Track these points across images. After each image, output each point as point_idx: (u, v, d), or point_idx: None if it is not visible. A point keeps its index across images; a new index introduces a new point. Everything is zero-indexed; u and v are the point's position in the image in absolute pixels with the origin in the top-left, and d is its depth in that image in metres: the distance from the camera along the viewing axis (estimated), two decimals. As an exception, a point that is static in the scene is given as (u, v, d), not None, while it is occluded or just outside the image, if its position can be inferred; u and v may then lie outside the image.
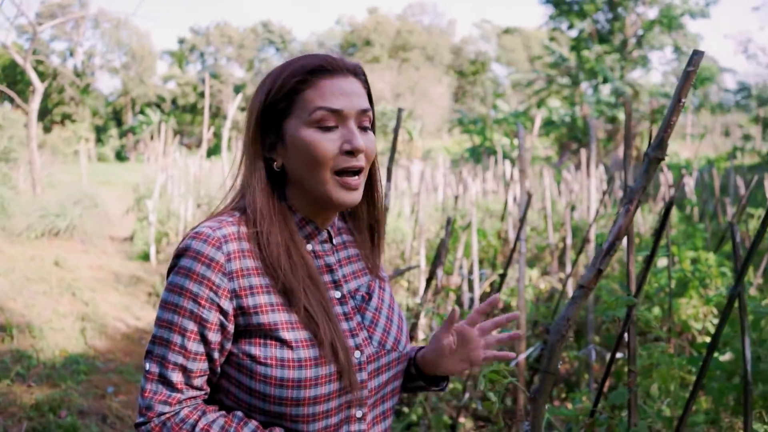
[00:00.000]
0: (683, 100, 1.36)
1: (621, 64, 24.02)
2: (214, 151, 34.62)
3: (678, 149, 26.40)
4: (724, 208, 6.99)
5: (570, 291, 4.47)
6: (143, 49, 40.10)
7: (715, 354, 2.32)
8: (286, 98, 1.07)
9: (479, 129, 27.34)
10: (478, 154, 25.09)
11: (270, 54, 45.74)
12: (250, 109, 1.12)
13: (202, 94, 39.91)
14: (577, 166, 13.98)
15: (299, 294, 1.04)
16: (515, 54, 46.42)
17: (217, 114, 40.21)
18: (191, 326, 1.01)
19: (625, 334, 1.71)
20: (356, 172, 1.08)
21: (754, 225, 6.17)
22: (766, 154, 19.95)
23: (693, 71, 1.33)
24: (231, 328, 1.03)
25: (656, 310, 3.29)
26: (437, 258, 2.68)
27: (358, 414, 1.09)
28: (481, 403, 3.77)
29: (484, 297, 4.30)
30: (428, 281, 2.72)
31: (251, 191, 1.08)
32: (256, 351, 1.02)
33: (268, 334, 1.02)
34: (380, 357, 1.13)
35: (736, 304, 1.71)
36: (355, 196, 1.09)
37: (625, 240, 2.21)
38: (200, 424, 1.01)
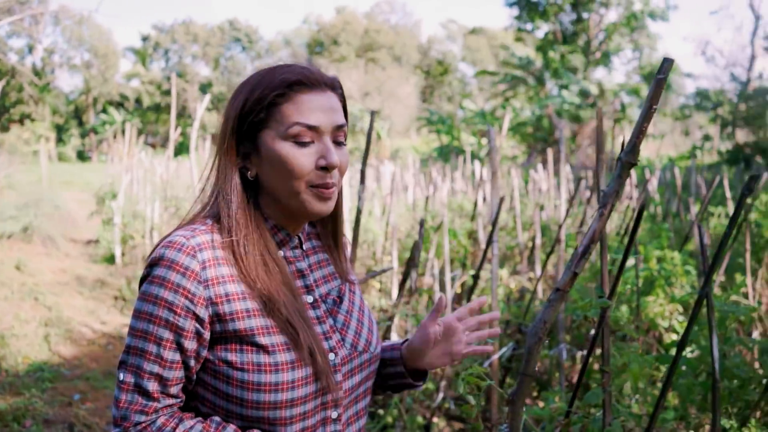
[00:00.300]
0: (654, 107, 1.40)
1: (585, 65, 24.46)
2: (179, 151, 34.09)
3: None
4: (687, 207, 7.18)
5: (540, 291, 4.53)
6: (106, 47, 39.24)
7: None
8: (264, 110, 1.08)
9: (447, 128, 27.51)
10: (447, 154, 25.24)
11: (236, 52, 45.22)
12: (226, 117, 1.12)
13: (166, 93, 39.25)
14: (544, 165, 14.18)
15: (276, 300, 1.06)
16: (481, 54, 46.85)
17: (182, 113, 39.62)
18: (167, 335, 1.02)
19: (595, 336, 1.74)
20: (332, 186, 1.11)
21: (714, 223, 6.35)
22: (724, 153, 20.55)
23: (663, 79, 1.37)
24: (207, 335, 1.04)
25: (624, 309, 3.35)
26: (411, 259, 2.69)
27: (334, 415, 1.12)
28: (454, 403, 3.80)
29: (455, 298, 4.33)
30: (402, 283, 2.73)
31: (226, 200, 1.09)
32: (233, 357, 1.04)
33: (245, 339, 1.04)
34: (353, 359, 1.16)
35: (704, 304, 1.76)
36: (330, 206, 1.11)
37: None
38: (178, 431, 1.02)
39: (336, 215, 1.25)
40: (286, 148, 1.06)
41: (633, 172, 9.65)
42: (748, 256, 3.73)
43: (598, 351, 2.14)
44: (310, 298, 1.16)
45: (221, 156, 1.11)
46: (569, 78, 22.37)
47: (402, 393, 2.93)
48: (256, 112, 1.08)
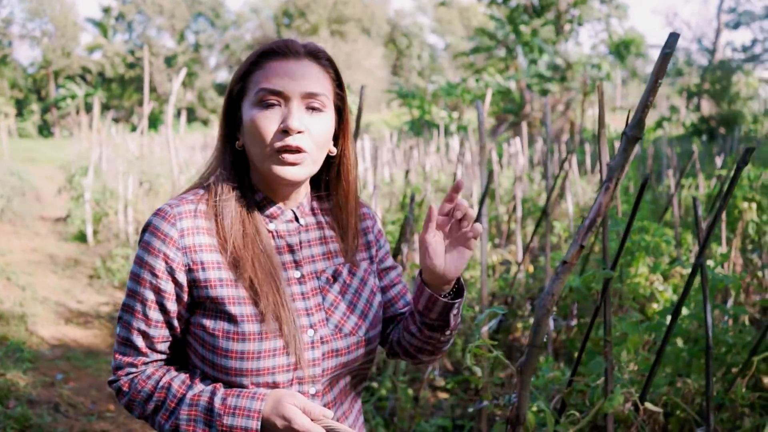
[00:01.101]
0: (660, 81, 1.42)
1: (555, 38, 24.52)
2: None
3: (608, 121, 27.30)
4: (659, 179, 7.33)
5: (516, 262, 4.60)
6: (66, 18, 37.88)
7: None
8: (242, 80, 1.13)
9: (419, 102, 27.43)
10: (418, 128, 25.19)
11: (203, 24, 44.10)
12: (225, 92, 1.18)
13: (131, 66, 38.20)
14: (515, 137, 14.26)
15: (247, 266, 1.09)
16: (452, 26, 46.59)
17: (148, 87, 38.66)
18: (151, 296, 1.09)
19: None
20: (297, 150, 1.09)
21: (685, 194, 6.50)
22: (690, 125, 20.95)
23: (670, 53, 1.38)
24: (186, 298, 1.10)
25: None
26: (402, 235, 2.70)
27: (311, 391, 1.12)
28: (440, 376, 3.86)
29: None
30: (393, 258, 2.74)
31: (214, 171, 1.16)
32: (207, 322, 1.09)
33: (217, 307, 1.08)
34: (336, 339, 1.15)
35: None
36: (294, 172, 1.10)
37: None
38: (164, 379, 1.10)
39: (340, 191, 1.23)
40: (254, 113, 1.09)
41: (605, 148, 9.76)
42: (723, 226, 3.84)
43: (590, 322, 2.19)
44: (297, 273, 1.16)
45: (219, 129, 1.18)
46: (543, 50, 22.41)
47: (395, 366, 2.96)
48: (237, 83, 1.13)
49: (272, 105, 1.09)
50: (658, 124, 22.08)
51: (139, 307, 1.10)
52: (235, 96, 1.14)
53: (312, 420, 1.02)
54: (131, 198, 6.55)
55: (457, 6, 46.16)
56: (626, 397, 1.60)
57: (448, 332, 1.21)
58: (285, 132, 1.08)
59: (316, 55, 1.14)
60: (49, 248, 7.84)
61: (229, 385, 1.09)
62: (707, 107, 21.79)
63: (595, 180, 8.50)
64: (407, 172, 5.44)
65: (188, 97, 39.90)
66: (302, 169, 1.11)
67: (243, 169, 1.17)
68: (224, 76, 44.28)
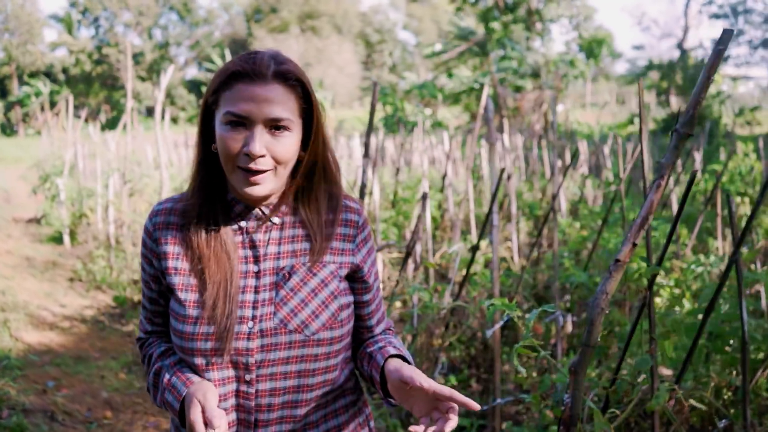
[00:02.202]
0: (712, 77, 1.42)
1: (526, 35, 24.73)
2: (112, 124, 32.65)
3: (578, 118, 27.71)
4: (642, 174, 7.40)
5: (516, 260, 4.61)
6: (28, 14, 36.83)
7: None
8: (213, 95, 1.22)
9: (392, 99, 27.39)
10: (392, 124, 25.17)
11: (173, 19, 43.31)
12: (201, 102, 1.28)
13: (97, 63, 37.35)
14: (486, 134, 14.31)
15: (203, 259, 1.23)
16: (423, 23, 46.67)
17: (114, 85, 37.86)
18: (144, 277, 1.33)
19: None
20: (258, 172, 1.17)
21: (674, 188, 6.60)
22: (661, 121, 21.35)
23: (723, 49, 1.38)
24: (164, 281, 1.27)
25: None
26: (415, 233, 2.67)
27: (246, 378, 1.22)
28: (441, 371, 3.85)
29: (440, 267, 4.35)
30: (406, 257, 2.71)
31: (193, 172, 1.29)
32: (171, 303, 1.27)
33: (173, 291, 1.25)
34: (278, 334, 1.21)
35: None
36: (258, 190, 1.19)
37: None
38: (151, 349, 1.33)
39: (311, 197, 1.29)
40: (222, 131, 1.18)
41: (584, 142, 9.87)
42: (719, 221, 3.91)
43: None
44: (255, 268, 1.24)
45: (196, 135, 1.28)
46: (514, 47, 22.60)
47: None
48: (210, 96, 1.23)
49: (238, 125, 1.17)
50: (630, 121, 22.45)
51: (141, 285, 1.35)
52: (210, 105, 1.23)
53: (204, 421, 1.14)
54: (113, 198, 6.38)
55: (430, 2, 46.25)
56: (670, 394, 1.60)
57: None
58: (247, 156, 1.17)
59: (285, 77, 1.19)
60: (24, 250, 7.60)
61: (186, 362, 1.25)
62: (676, 103, 22.23)
63: (576, 176, 8.59)
64: (398, 170, 5.40)
65: (156, 94, 39.20)
66: (263, 187, 1.19)
67: (219, 172, 1.25)
68: (194, 73, 43.60)
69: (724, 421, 2.28)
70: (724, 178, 4.80)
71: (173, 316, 1.25)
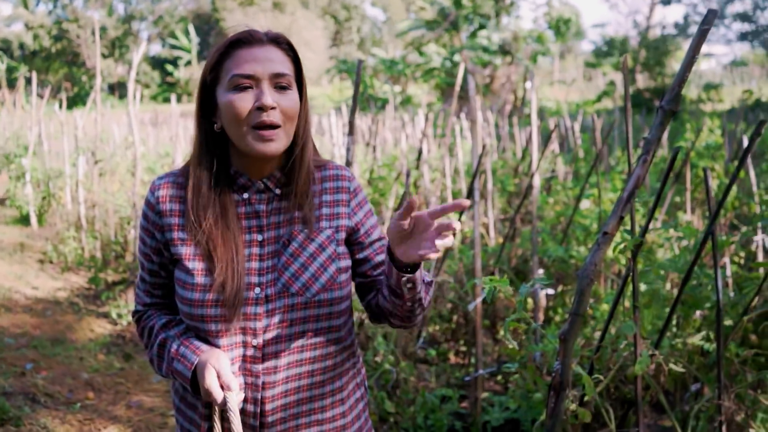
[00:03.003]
0: (696, 56, 1.47)
1: (496, 11, 24.74)
2: (74, 103, 31.72)
3: (547, 95, 27.97)
4: (611, 150, 7.58)
5: (492, 236, 4.69)
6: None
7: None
8: (214, 69, 1.28)
9: (362, 76, 27.22)
10: (362, 102, 25.04)
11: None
12: (199, 82, 1.33)
13: (57, 38, 36.13)
14: (457, 111, 14.40)
15: (206, 228, 1.27)
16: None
17: (75, 61, 36.74)
18: (144, 250, 1.36)
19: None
20: (270, 126, 1.23)
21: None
22: (623, 99, 21.64)
23: (707, 29, 1.43)
24: (166, 254, 1.32)
25: (582, 250, 3.56)
26: (399, 208, 2.71)
27: (254, 342, 1.27)
28: (421, 345, 3.93)
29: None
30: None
31: (194, 149, 1.34)
32: (177, 273, 1.31)
33: (180, 261, 1.30)
34: (282, 297, 1.28)
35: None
36: (271, 147, 1.25)
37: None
38: (152, 321, 1.37)
39: (296, 164, 1.32)
40: (229, 96, 1.24)
41: (554, 119, 9.99)
42: (688, 195, 4.04)
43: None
44: (260, 237, 1.31)
45: (195, 114, 1.33)
46: (483, 25, 22.61)
47: (395, 338, 2.99)
48: (210, 72, 1.28)
49: (245, 88, 1.23)
50: (598, 98, 22.76)
51: (140, 257, 1.37)
52: (208, 84, 1.29)
53: (221, 385, 1.20)
54: (82, 179, 6.26)
55: (397, -22, 45.79)
56: (652, 360, 1.69)
57: (408, 303, 1.29)
58: (260, 109, 1.22)
59: (277, 41, 1.28)
60: (-11, 233, 7.43)
61: (194, 329, 1.30)
62: (642, 81, 22.59)
63: (547, 152, 8.71)
64: (374, 147, 5.42)
65: (119, 70, 38.20)
66: (277, 143, 1.25)
67: (221, 148, 1.32)
68: (157, 50, 42.52)
69: (696, 384, 2.40)
70: (691, 154, 4.94)
71: (180, 285, 1.30)
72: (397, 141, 10.30)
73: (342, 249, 1.36)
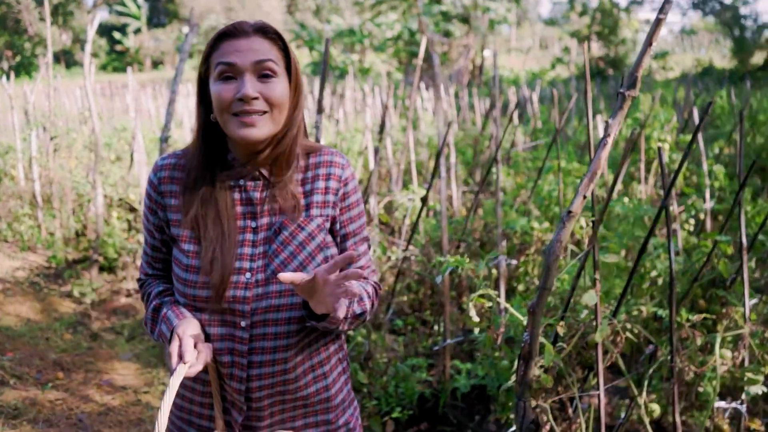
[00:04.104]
0: (653, 43, 1.56)
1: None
2: (17, 72, 30.27)
3: (504, 63, 28.12)
4: (569, 120, 7.75)
5: (457, 207, 4.79)
6: None
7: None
8: (205, 62, 1.33)
9: (318, 44, 26.77)
10: (319, 71, 24.72)
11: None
12: (196, 75, 1.38)
13: (-4, 4, 34.25)
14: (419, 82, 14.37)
15: (198, 212, 1.34)
16: (347, -35, 45.25)
17: (16, 29, 35.00)
18: (147, 225, 1.43)
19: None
20: (254, 113, 1.27)
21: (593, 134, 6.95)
22: (581, 67, 21.98)
23: (663, 18, 1.52)
24: (168, 232, 1.39)
25: (546, 224, 3.69)
26: (369, 187, 2.77)
27: (243, 323, 1.32)
28: (390, 317, 4.03)
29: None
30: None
31: (193, 137, 1.39)
32: (174, 252, 1.38)
33: (177, 242, 1.37)
34: (271, 283, 1.32)
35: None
36: (254, 132, 1.28)
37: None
38: (150, 288, 1.45)
39: (285, 151, 1.35)
40: (216, 86, 1.29)
41: (512, 90, 10.12)
42: (642, 166, 4.21)
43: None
44: (253, 224, 1.35)
45: (195, 106, 1.38)
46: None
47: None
48: (203, 65, 1.34)
49: (229, 78, 1.28)
50: (552, 66, 23.00)
51: (144, 232, 1.44)
52: (203, 77, 1.34)
53: (178, 353, 1.24)
54: (36, 155, 6.08)
55: (352, -57, 44.81)
56: (611, 328, 1.81)
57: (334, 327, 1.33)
58: (241, 100, 1.26)
59: (264, 30, 1.31)
60: (-62, 212, 7.16)
61: (186, 305, 1.37)
62: (597, 49, 22.92)
63: (505, 123, 8.84)
64: (337, 121, 5.43)
65: (63, 39, 36.63)
66: (259, 129, 1.28)
67: (218, 137, 1.37)
68: (104, 16, 40.87)
69: (650, 347, 2.57)
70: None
71: (176, 264, 1.36)
72: (358, 113, 10.28)
73: (329, 238, 1.40)
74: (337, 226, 1.42)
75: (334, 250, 1.41)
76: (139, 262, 2.87)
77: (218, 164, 1.36)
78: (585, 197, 1.58)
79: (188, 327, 1.29)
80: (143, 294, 1.48)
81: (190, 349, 1.24)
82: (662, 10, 1.52)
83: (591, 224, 2.02)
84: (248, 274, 1.32)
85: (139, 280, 1.51)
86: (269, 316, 1.33)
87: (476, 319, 1.86)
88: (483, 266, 1.71)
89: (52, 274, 5.44)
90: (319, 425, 1.46)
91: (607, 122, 1.61)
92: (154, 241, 1.43)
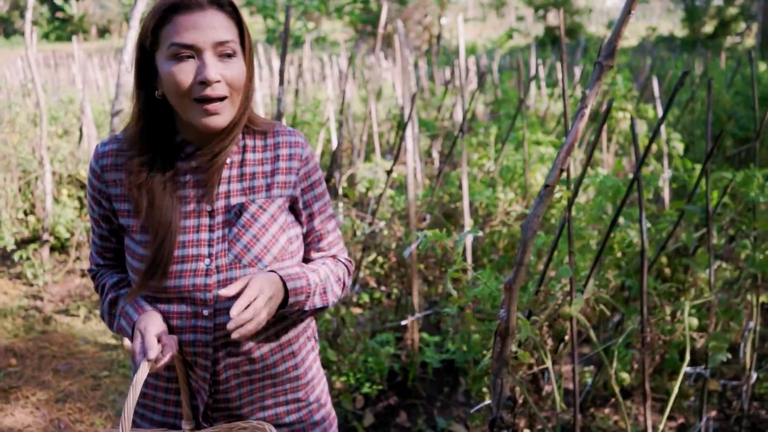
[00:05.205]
0: (631, 13, 1.52)
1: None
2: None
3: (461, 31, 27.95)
4: (527, 90, 7.73)
5: (420, 178, 4.76)
6: None
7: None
8: (152, 34, 1.19)
9: (272, 11, 26.10)
10: (275, 39, 24.15)
11: None
12: (135, 44, 1.25)
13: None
14: (373, 50, 14.19)
15: (141, 202, 1.25)
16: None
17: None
18: (93, 215, 1.34)
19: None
20: (215, 99, 1.19)
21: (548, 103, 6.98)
22: (536, 37, 22.09)
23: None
24: (116, 221, 1.31)
25: (511, 195, 3.68)
26: (334, 161, 2.69)
27: (205, 312, 1.27)
28: (358, 291, 4.00)
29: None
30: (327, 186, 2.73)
31: (133, 117, 1.27)
32: (126, 241, 1.31)
33: (129, 232, 1.29)
34: (233, 269, 1.27)
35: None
36: (218, 121, 1.20)
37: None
38: (104, 279, 1.38)
39: (253, 132, 1.33)
40: (169, 67, 1.17)
41: (472, 59, 10.09)
42: (604, 135, 4.24)
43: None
44: (208, 207, 1.28)
45: (134, 79, 1.26)
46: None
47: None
48: (147, 37, 1.20)
49: (186, 57, 1.17)
50: (509, 36, 23.02)
51: (91, 221, 1.36)
52: (148, 48, 1.21)
53: (141, 350, 1.18)
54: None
55: None
56: (586, 302, 1.80)
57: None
58: (203, 83, 1.17)
59: (220, 3, 1.20)
60: None
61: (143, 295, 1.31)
62: (553, 18, 23.01)
63: (466, 94, 8.80)
64: (297, 91, 5.29)
65: (1, 5, 34.80)
66: (223, 117, 1.21)
67: (164, 115, 1.26)
68: (44, -18, 38.84)
69: (618, 316, 2.60)
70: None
71: (129, 254, 1.30)
72: (316, 83, 10.08)
73: (292, 218, 1.36)
74: (301, 205, 1.38)
75: (296, 230, 1.37)
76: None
77: (165, 145, 1.27)
78: (562, 170, 1.55)
79: (149, 322, 1.23)
80: (96, 286, 1.41)
81: (154, 346, 1.18)
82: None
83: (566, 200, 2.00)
84: (207, 260, 1.26)
85: (90, 270, 1.43)
86: (233, 303, 1.27)
87: (455, 294, 1.83)
88: (461, 242, 1.67)
89: (0, 255, 5.20)
90: (289, 403, 1.43)
91: (584, 92, 1.57)
92: (102, 230, 1.35)
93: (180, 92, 1.18)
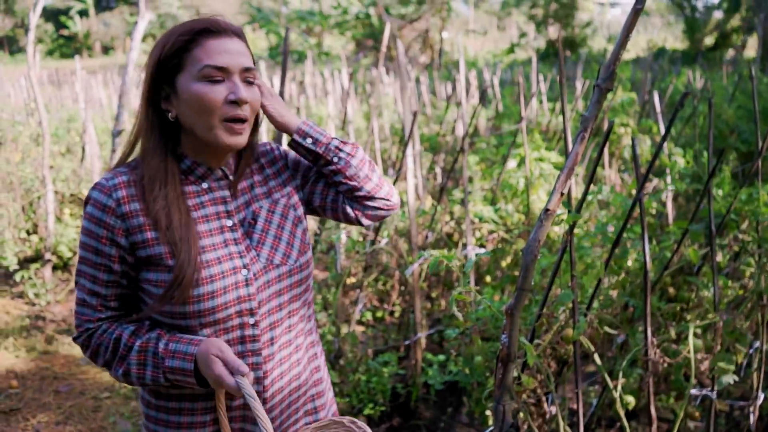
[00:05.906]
0: (629, 35, 1.51)
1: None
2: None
3: (463, 45, 28.10)
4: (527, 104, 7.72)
5: (412, 198, 4.75)
6: None
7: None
8: (177, 55, 1.22)
9: (275, 26, 26.29)
10: (277, 55, 24.30)
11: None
12: (146, 65, 1.27)
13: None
14: (375, 64, 14.24)
15: (166, 226, 1.22)
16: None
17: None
18: (98, 260, 1.24)
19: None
20: (242, 120, 1.25)
21: (551, 117, 6.97)
22: (538, 50, 22.16)
23: (640, 8, 1.48)
24: (130, 259, 1.24)
25: (510, 207, 3.66)
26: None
27: (251, 321, 1.29)
28: (362, 310, 3.98)
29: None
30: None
31: (144, 139, 1.27)
32: (151, 276, 1.24)
33: (157, 261, 1.23)
34: (269, 271, 1.32)
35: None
36: (240, 140, 1.26)
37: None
38: (116, 332, 1.26)
39: (250, 149, 1.38)
40: (200, 87, 1.21)
41: (473, 73, 10.11)
42: (606, 150, 4.22)
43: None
44: (230, 222, 1.32)
45: (143, 101, 1.27)
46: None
47: (334, 309, 3.01)
48: (170, 58, 1.23)
49: (218, 80, 1.22)
50: (511, 50, 23.11)
51: (89, 270, 1.25)
52: (170, 69, 1.23)
53: (230, 372, 1.16)
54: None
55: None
56: (589, 323, 1.78)
57: (322, 161, 1.40)
58: (234, 103, 1.22)
59: (239, 33, 1.28)
60: None
61: (177, 327, 1.26)
62: (553, 32, 23.09)
63: (469, 108, 8.81)
64: (297, 109, 5.30)
65: (6, 23, 35.11)
66: (244, 137, 1.27)
67: (173, 138, 1.29)
68: (49, 0, 39.23)
69: (621, 336, 2.57)
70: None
71: (158, 287, 1.23)
72: (318, 99, 10.12)
73: (300, 211, 1.43)
74: (313, 175, 1.46)
75: (306, 223, 1.46)
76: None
77: (177, 168, 1.29)
78: (563, 194, 1.54)
79: (219, 345, 1.20)
80: (99, 345, 1.26)
81: (241, 362, 1.17)
82: (638, 1, 1.48)
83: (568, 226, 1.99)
84: (244, 271, 1.29)
85: (86, 330, 1.27)
86: (273, 304, 1.33)
87: (461, 317, 1.82)
88: (470, 265, 1.66)
89: (1, 274, 5.20)
90: (313, 412, 1.48)
91: (583, 116, 1.56)
92: (110, 276, 1.24)
93: (210, 111, 1.21)
